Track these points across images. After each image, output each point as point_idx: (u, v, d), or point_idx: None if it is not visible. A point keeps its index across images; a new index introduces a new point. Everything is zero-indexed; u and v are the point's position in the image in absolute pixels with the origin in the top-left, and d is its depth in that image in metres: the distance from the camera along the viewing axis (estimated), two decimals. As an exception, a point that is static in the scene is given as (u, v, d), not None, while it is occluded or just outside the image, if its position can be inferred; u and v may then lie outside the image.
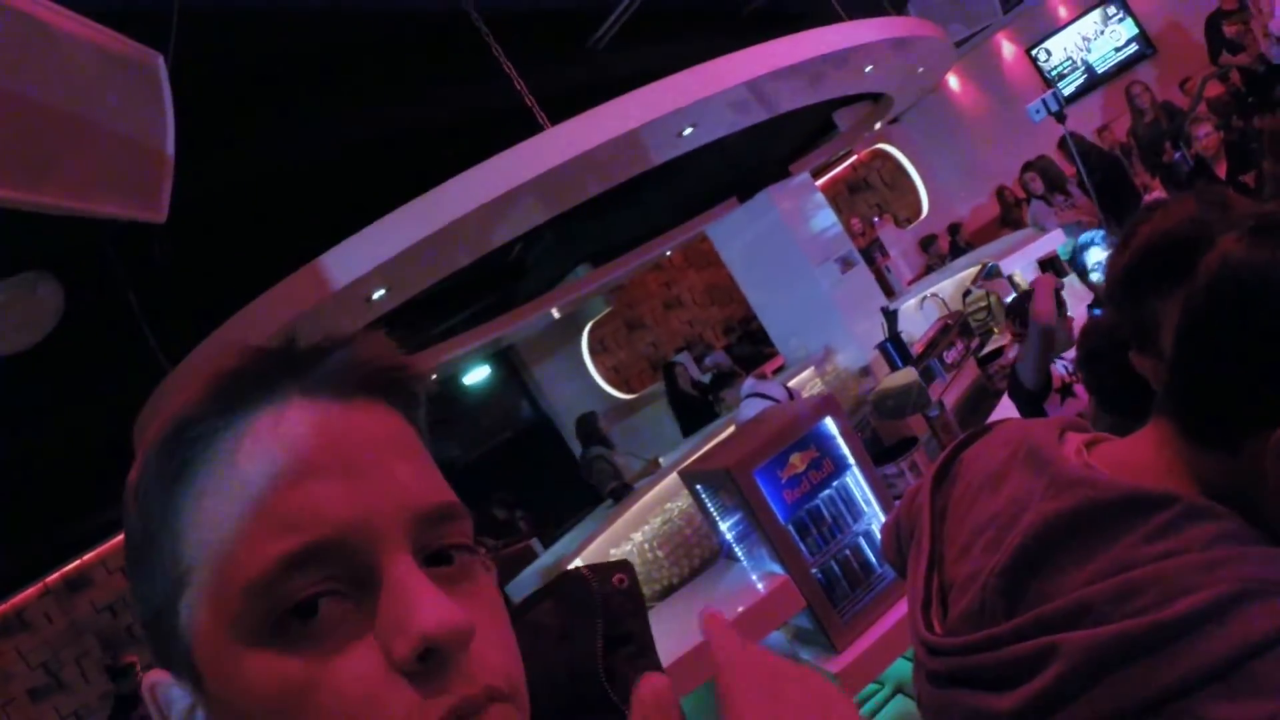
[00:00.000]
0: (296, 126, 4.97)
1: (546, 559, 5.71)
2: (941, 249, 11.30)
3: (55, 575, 8.33)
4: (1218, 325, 0.78)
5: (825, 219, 7.71)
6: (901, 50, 6.06)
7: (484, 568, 0.60)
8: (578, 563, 5.04)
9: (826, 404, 4.67)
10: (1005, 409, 4.88)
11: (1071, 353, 3.31)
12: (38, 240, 3.92)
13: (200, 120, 3.05)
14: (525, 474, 10.34)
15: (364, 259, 4.04)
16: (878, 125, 8.83)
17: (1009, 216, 10.85)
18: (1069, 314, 3.77)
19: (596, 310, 11.51)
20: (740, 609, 4.43)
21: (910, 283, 10.18)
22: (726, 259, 8.32)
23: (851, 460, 4.65)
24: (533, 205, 4.72)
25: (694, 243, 9.97)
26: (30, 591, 8.20)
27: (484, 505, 8.82)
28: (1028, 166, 8.58)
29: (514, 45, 4.74)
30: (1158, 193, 7.67)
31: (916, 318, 7.86)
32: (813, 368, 7.31)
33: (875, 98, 7.76)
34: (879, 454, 5.57)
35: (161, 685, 0.56)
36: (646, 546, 5.35)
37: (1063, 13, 11.01)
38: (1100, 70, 10.86)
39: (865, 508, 4.69)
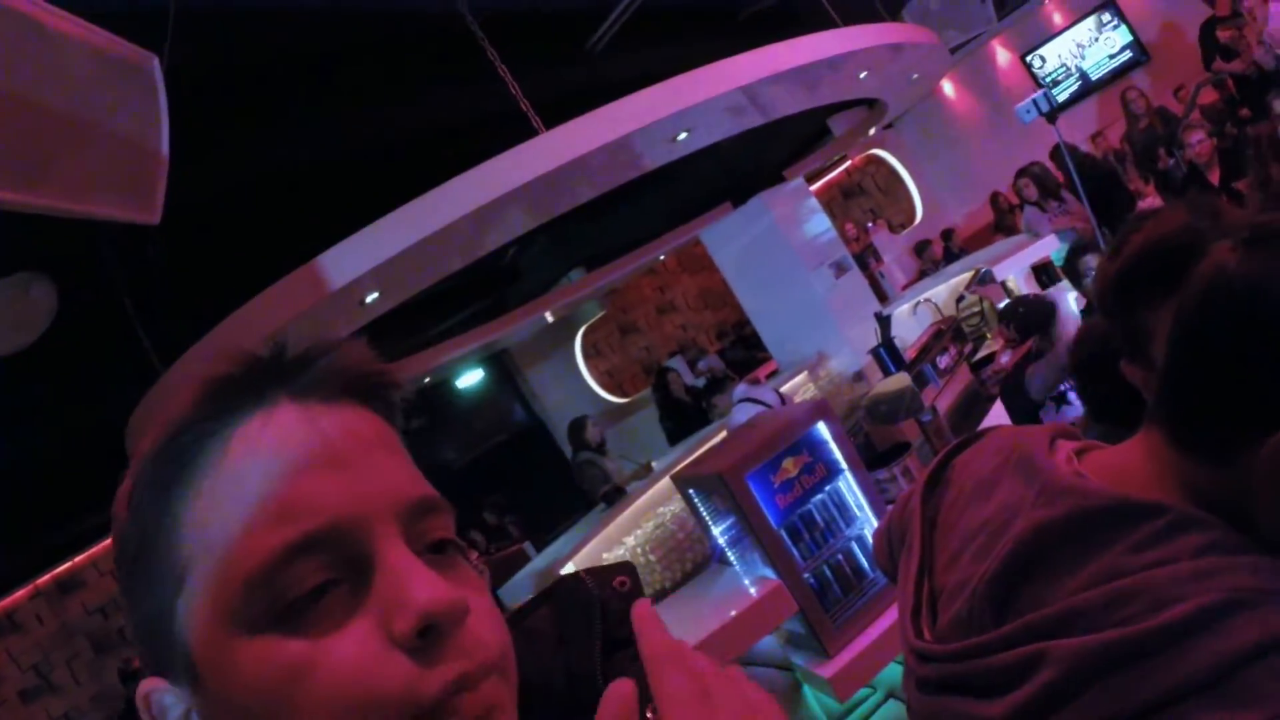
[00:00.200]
0: (290, 129, 4.96)
1: (539, 562, 5.70)
2: (935, 254, 11.31)
3: (47, 577, 8.31)
4: (1210, 336, 0.78)
5: (819, 224, 7.72)
6: (896, 56, 6.07)
7: (464, 556, 0.62)
8: (571, 566, 5.04)
9: (819, 409, 4.68)
10: (998, 414, 4.89)
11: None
12: (31, 241, 3.91)
13: (194, 122, 3.05)
14: (518, 477, 10.34)
15: (357, 262, 4.04)
16: (872, 131, 8.85)
17: (1003, 222, 10.86)
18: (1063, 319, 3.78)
19: (590, 314, 11.51)
20: (733, 613, 4.43)
21: (904, 288, 10.21)
22: (720, 264, 8.33)
23: (844, 465, 4.66)
24: (527, 210, 4.72)
25: (688, 247, 9.97)
26: (21, 593, 8.18)
27: (476, 509, 8.82)
28: (1022, 172, 8.57)
29: (510, 48, 4.73)
30: (1152, 199, 7.69)
31: (910, 323, 7.87)
32: (806, 372, 7.32)
33: (870, 103, 7.78)
34: (872, 459, 5.58)
35: (156, 692, 0.57)
36: (639, 551, 5.34)
37: (1057, 19, 11.03)
38: (1094, 77, 10.87)
39: (858, 513, 4.70)
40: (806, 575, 4.45)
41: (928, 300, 8.05)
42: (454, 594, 0.54)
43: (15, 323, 3.91)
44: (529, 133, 4.35)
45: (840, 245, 7.87)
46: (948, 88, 12.09)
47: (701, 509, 4.88)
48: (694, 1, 7.18)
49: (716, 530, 4.83)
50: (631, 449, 8.23)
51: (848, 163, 12.82)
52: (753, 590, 4.56)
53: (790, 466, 4.49)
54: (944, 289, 8.26)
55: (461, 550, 0.62)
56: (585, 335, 11.66)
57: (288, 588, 0.52)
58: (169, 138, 2.43)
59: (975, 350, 7.06)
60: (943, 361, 6.66)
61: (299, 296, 4.11)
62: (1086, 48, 10.86)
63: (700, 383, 9.51)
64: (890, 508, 1.22)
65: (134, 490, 0.59)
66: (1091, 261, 4.61)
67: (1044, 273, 8.01)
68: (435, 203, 4.07)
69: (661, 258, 10.25)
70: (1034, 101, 6.03)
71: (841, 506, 4.68)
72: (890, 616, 4.41)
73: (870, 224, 12.26)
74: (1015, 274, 7.74)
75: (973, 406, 6.47)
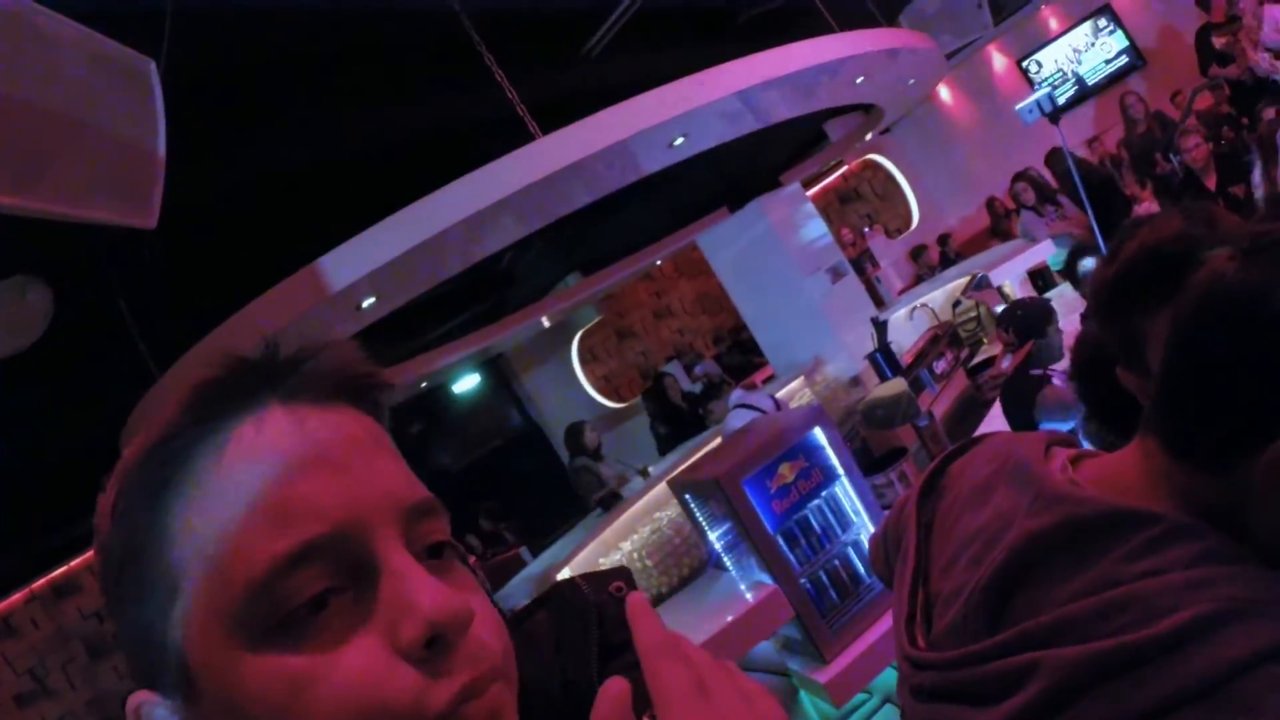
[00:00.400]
0: (287, 133, 4.95)
1: (535, 567, 5.70)
2: (931, 259, 11.33)
3: (42, 581, 8.27)
4: (1208, 344, 0.77)
5: (816, 229, 7.73)
6: (893, 62, 6.08)
7: (461, 559, 0.61)
8: (567, 572, 5.03)
9: (816, 414, 4.68)
10: (994, 419, 4.89)
11: (1065, 364, 3.31)
12: (28, 244, 3.90)
13: (190, 125, 3.05)
14: (514, 482, 10.33)
15: (354, 267, 4.04)
16: (869, 136, 8.85)
17: (999, 227, 10.87)
18: (1060, 326, 3.78)
19: (587, 319, 11.50)
20: (729, 618, 4.43)
21: (900, 293, 10.22)
22: (717, 268, 8.33)
23: (840, 470, 4.66)
24: (523, 215, 4.72)
25: (685, 252, 9.96)
26: (17, 597, 8.15)
27: (472, 514, 8.81)
28: (1018, 177, 8.59)
29: (507, 52, 4.73)
30: (1148, 203, 7.70)
31: (906, 328, 7.88)
32: (803, 377, 7.32)
33: (866, 108, 7.78)
34: (868, 464, 5.58)
35: (147, 705, 0.55)
36: (635, 556, 5.34)
37: (1054, 25, 11.05)
38: (1091, 82, 10.88)
39: (854, 518, 4.70)
40: (803, 580, 4.45)
41: (924, 305, 8.06)
42: (458, 601, 0.54)
43: (11, 326, 3.90)
44: (526, 136, 4.34)
45: (837, 250, 7.88)
46: (944, 93, 12.11)
47: (698, 514, 4.88)
48: (691, 6, 7.18)
49: (713, 535, 4.83)
50: (628, 454, 8.23)
51: (844, 168, 12.82)
52: (749, 596, 4.56)
53: (787, 472, 4.49)
54: (940, 294, 8.27)
55: (459, 553, 0.61)
56: (582, 340, 11.64)
57: (290, 596, 0.51)
58: (165, 142, 2.43)
59: (971, 355, 7.06)
60: (939, 367, 6.66)
61: (296, 301, 4.11)
62: (1083, 53, 10.87)
63: (697, 388, 9.52)
64: (886, 513, 1.22)
65: (119, 497, 0.57)
66: (1091, 264, 4.61)
67: (1040, 278, 8.03)
68: (432, 208, 4.07)
69: (658, 262, 10.23)
70: (1037, 102, 6.00)
71: (838, 512, 4.68)
72: (887, 622, 4.41)
73: (867, 229, 12.27)
74: (1011, 279, 7.76)
75: (969, 411, 6.47)
